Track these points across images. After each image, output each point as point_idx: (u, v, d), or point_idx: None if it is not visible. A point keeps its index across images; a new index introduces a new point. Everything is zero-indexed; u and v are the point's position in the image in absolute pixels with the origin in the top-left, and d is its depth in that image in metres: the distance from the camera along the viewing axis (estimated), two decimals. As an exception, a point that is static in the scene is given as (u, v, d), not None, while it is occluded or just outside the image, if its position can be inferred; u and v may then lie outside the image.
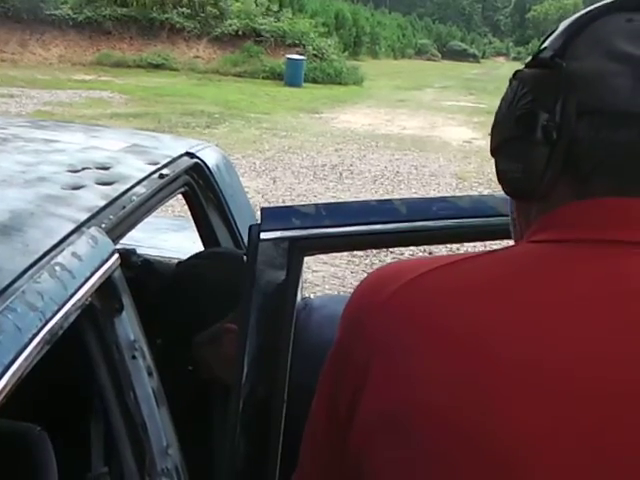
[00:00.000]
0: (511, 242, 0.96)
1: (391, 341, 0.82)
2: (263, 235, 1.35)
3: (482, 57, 78.90)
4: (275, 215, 1.39)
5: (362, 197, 9.33)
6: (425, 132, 16.21)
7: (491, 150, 0.92)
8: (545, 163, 0.84)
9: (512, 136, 0.87)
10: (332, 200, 8.78)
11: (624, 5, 0.85)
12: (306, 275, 5.95)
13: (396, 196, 9.63)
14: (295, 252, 1.36)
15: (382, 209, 1.43)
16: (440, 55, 66.70)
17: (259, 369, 1.34)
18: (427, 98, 24.76)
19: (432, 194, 9.71)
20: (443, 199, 1.48)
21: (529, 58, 0.91)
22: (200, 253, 1.96)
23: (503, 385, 0.75)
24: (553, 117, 0.83)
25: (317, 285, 6.00)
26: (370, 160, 12.20)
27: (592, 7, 0.87)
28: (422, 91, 27.57)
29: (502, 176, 0.90)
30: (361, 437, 0.82)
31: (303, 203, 1.51)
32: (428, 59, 60.81)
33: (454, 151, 13.85)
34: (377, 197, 9.48)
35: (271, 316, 1.35)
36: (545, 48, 0.88)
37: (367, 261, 6.82)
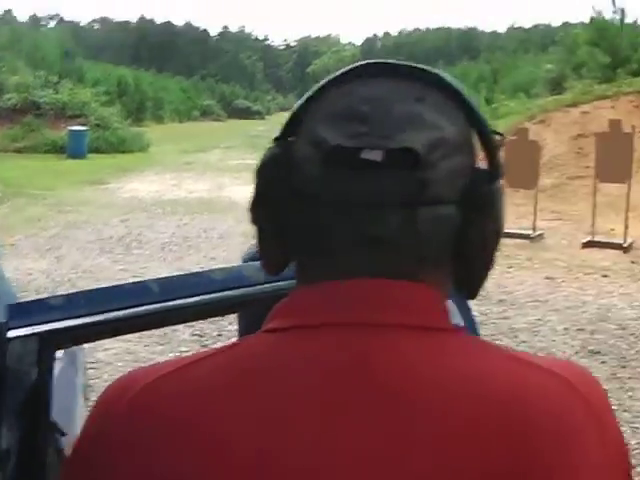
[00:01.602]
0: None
1: (133, 446, 0.81)
2: (10, 333, 1.30)
3: (267, 113, 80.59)
4: (22, 310, 1.36)
5: (152, 266, 9.29)
6: (213, 194, 16.38)
7: None
8: (269, 244, 0.88)
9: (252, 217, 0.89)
10: (120, 273, 8.73)
11: (360, 71, 0.86)
12: (97, 354, 5.90)
13: (186, 260, 9.71)
14: (46, 347, 1.33)
15: (135, 290, 1.42)
16: (226, 115, 67.46)
17: None
18: (213, 159, 25.00)
19: (223, 256, 9.82)
20: (197, 274, 1.50)
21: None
22: None
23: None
24: (267, 199, 0.85)
25: (110, 363, 5.88)
26: (159, 227, 12.16)
27: (331, 76, 0.87)
28: (208, 152, 27.73)
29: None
30: None
31: (58, 292, 1.52)
32: (214, 119, 61.29)
33: (243, 210, 14.00)
34: (167, 264, 9.52)
35: (26, 416, 1.30)
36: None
37: (159, 332, 6.81)
